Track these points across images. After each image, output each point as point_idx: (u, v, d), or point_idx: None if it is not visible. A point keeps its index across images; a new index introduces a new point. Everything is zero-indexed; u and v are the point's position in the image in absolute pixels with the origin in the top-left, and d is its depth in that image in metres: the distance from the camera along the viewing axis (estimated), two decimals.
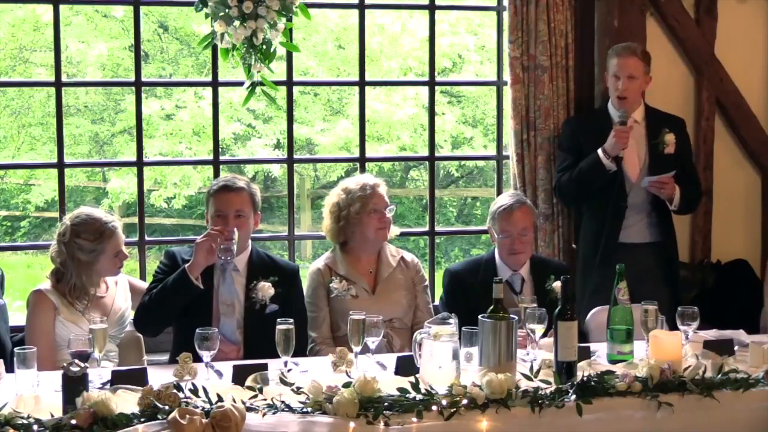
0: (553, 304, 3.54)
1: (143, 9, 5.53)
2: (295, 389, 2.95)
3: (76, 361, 2.92)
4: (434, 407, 2.86)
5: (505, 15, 4.85)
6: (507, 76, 4.88)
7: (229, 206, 3.84)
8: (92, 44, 9.67)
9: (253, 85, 4.25)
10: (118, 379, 3.10)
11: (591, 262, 4.60)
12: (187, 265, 3.71)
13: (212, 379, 3.22)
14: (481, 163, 10.92)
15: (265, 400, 2.88)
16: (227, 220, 3.82)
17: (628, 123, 4.49)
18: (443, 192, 11.16)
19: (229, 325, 3.81)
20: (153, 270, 4.02)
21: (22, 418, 2.70)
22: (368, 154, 6.07)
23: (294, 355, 3.41)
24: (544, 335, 3.51)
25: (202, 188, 10.01)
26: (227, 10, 4.07)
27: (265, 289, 3.86)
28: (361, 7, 4.90)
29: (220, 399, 2.80)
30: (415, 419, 2.82)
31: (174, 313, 3.77)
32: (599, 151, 4.48)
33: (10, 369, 3.24)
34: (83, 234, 3.76)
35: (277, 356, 3.38)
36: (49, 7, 4.60)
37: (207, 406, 2.77)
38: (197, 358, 3.31)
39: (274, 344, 3.40)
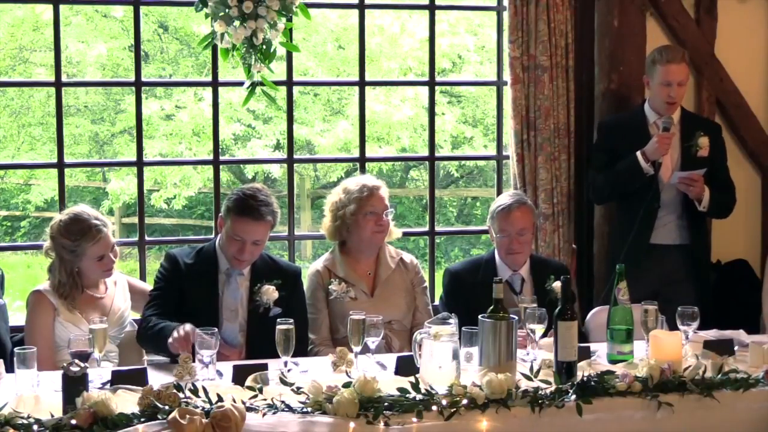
0: (553, 304, 3.54)
1: (143, 9, 5.52)
2: (295, 389, 2.95)
3: (76, 361, 2.92)
4: (434, 407, 2.86)
5: (505, 15, 4.85)
6: (507, 76, 4.87)
7: (249, 235, 3.77)
8: (92, 44, 9.67)
9: (253, 85, 4.25)
10: (118, 379, 3.10)
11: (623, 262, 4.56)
12: (169, 341, 3.43)
13: (212, 379, 3.21)
14: (481, 163, 10.92)
15: (265, 400, 2.88)
16: (243, 245, 3.78)
17: (671, 129, 4.48)
18: (443, 192, 11.17)
19: (231, 329, 3.80)
20: (153, 270, 4.01)
21: (22, 418, 2.70)
22: (368, 154, 6.07)
23: (295, 356, 3.41)
24: (544, 335, 3.51)
25: (202, 188, 10.02)
26: (227, 10, 4.07)
27: (270, 292, 3.84)
28: (361, 7, 4.90)
29: (220, 399, 2.80)
30: (415, 419, 2.82)
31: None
32: (638, 154, 4.44)
33: (10, 369, 3.24)
34: (65, 233, 3.75)
35: (277, 357, 3.38)
36: (49, 7, 4.60)
37: (207, 406, 2.77)
38: None
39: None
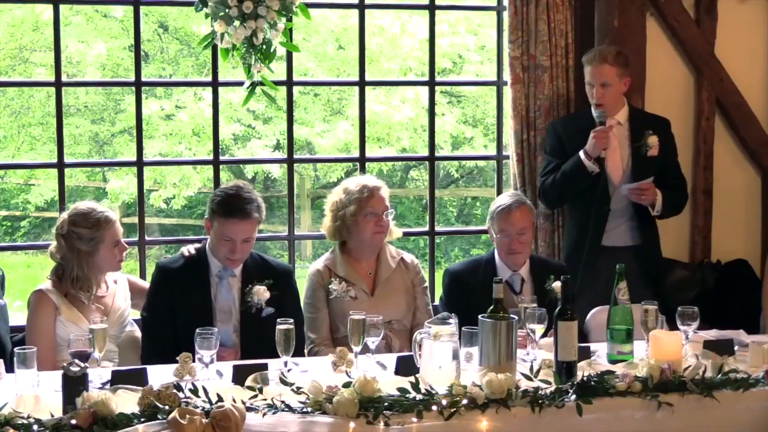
0: (553, 304, 3.54)
1: (143, 9, 5.53)
2: (295, 389, 2.95)
3: (76, 361, 2.92)
4: (434, 407, 2.86)
5: (505, 15, 4.85)
6: (507, 76, 4.88)
7: (239, 235, 3.78)
8: (92, 44, 9.67)
9: (253, 85, 4.25)
10: (118, 379, 3.10)
11: (574, 265, 4.58)
12: None
13: (212, 379, 3.21)
14: (481, 163, 10.93)
15: (265, 400, 2.88)
16: (234, 245, 3.79)
17: (608, 123, 4.48)
18: (443, 192, 11.17)
19: (225, 330, 3.78)
20: (153, 270, 4.01)
21: (22, 418, 2.70)
22: (368, 154, 6.07)
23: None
24: (544, 335, 3.51)
25: (201, 188, 10.03)
26: (227, 10, 4.07)
27: (261, 292, 3.84)
28: (361, 8, 4.90)
29: (220, 399, 2.80)
30: (415, 419, 2.82)
31: None
32: (581, 152, 4.47)
33: (10, 369, 3.24)
34: (80, 223, 3.77)
35: (274, 357, 3.38)
36: (49, 7, 4.60)
37: (207, 406, 2.77)
38: None
39: (270, 346, 3.40)
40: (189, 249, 3.95)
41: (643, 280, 4.53)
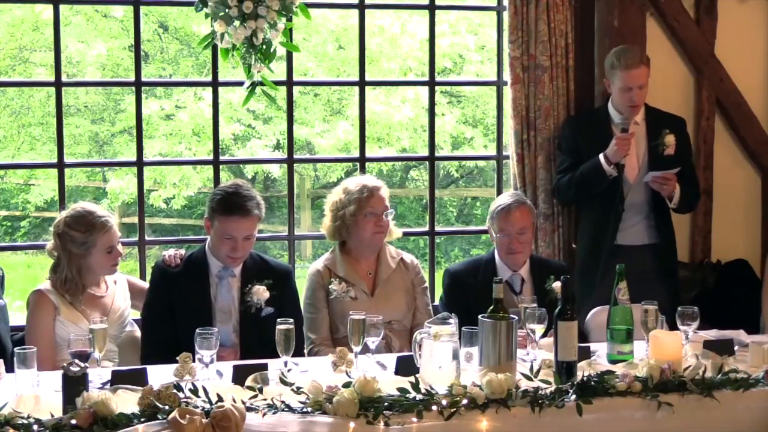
0: (553, 304, 3.55)
1: (143, 9, 5.52)
2: (295, 389, 2.95)
3: (76, 361, 2.92)
4: (434, 407, 2.86)
5: (505, 15, 4.85)
6: (507, 76, 4.88)
7: (240, 232, 3.78)
8: (92, 44, 9.68)
9: (253, 85, 4.25)
10: (118, 379, 3.10)
11: (589, 264, 4.59)
12: None
13: (212, 379, 3.21)
14: (481, 163, 10.93)
15: (265, 400, 2.88)
16: (236, 243, 3.79)
17: (630, 129, 4.48)
18: (443, 192, 11.17)
19: (225, 330, 3.78)
20: (151, 270, 4.01)
21: (22, 418, 2.70)
22: (368, 154, 6.07)
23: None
24: (544, 335, 3.51)
25: (201, 188, 10.03)
26: (227, 10, 4.07)
27: (260, 292, 3.84)
28: (361, 8, 4.90)
29: (220, 399, 2.80)
30: (415, 419, 2.82)
31: None
32: (600, 156, 4.45)
33: (10, 369, 3.24)
34: (75, 226, 3.77)
35: (274, 357, 3.38)
36: (49, 7, 4.60)
37: (207, 406, 2.77)
38: None
39: (270, 346, 3.41)
40: (171, 256, 3.94)
41: (661, 279, 4.54)
